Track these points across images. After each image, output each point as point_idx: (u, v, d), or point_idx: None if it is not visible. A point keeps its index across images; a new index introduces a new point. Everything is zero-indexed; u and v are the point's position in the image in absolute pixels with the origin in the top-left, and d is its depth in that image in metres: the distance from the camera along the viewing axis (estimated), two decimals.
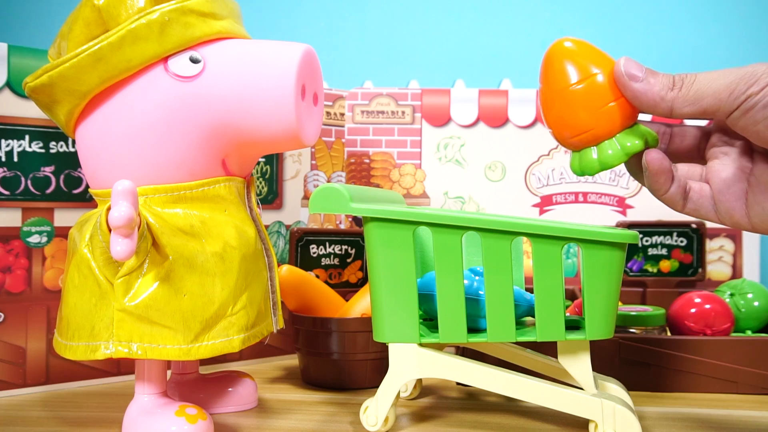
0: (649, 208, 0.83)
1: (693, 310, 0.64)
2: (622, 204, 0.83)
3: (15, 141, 0.60)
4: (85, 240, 0.46)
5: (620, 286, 0.47)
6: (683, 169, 0.46)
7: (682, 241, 0.78)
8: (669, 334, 0.67)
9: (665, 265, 0.79)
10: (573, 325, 0.50)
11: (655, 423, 0.53)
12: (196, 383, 0.56)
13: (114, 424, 0.52)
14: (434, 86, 0.96)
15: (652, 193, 0.44)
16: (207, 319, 0.46)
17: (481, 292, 0.50)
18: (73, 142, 0.60)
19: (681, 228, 0.78)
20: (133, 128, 0.46)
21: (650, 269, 0.79)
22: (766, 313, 0.69)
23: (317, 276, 0.72)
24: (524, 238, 0.55)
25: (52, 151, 0.62)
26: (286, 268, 0.63)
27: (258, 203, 0.53)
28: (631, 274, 0.79)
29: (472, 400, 0.59)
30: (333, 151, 0.82)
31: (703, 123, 0.47)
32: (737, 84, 0.40)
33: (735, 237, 0.83)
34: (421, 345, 0.49)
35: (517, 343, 0.50)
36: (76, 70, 0.46)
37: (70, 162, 0.62)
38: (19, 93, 0.60)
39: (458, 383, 0.63)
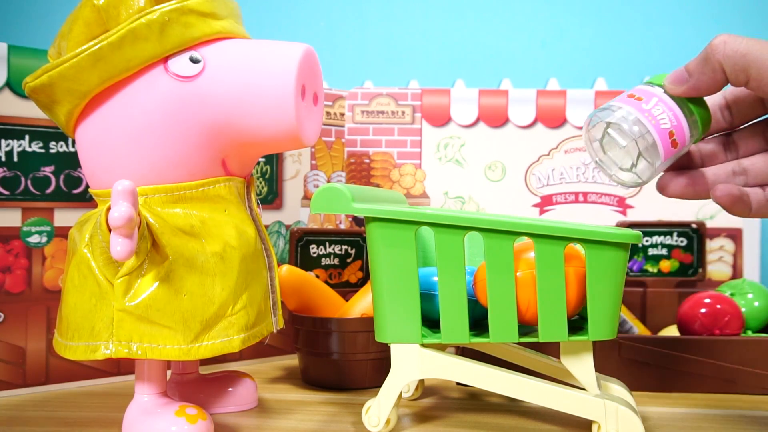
0: (649, 208, 0.83)
1: (703, 311, 0.64)
2: (622, 204, 0.83)
3: (15, 141, 0.60)
4: (85, 240, 0.46)
5: (623, 286, 0.47)
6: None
7: (682, 241, 0.78)
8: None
9: (665, 265, 0.79)
10: (576, 326, 0.50)
11: (657, 423, 0.53)
12: (196, 383, 0.56)
13: (114, 424, 0.52)
14: (434, 86, 0.96)
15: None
16: (207, 319, 0.46)
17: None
18: (73, 142, 0.60)
19: (681, 228, 0.78)
20: (133, 128, 0.46)
21: (650, 269, 0.79)
22: (766, 313, 0.69)
23: (317, 276, 0.72)
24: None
25: (52, 151, 0.61)
26: (286, 268, 0.62)
27: (258, 203, 0.53)
28: (631, 274, 0.79)
29: (473, 400, 0.59)
30: (333, 151, 0.82)
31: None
32: None
33: (735, 237, 0.83)
34: (423, 345, 0.49)
35: (519, 343, 0.50)
36: (76, 70, 0.46)
37: (70, 162, 0.62)
38: (19, 93, 0.60)
39: (459, 383, 0.63)
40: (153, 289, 0.45)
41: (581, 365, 0.48)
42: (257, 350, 0.73)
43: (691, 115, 0.44)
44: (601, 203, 0.84)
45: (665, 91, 0.44)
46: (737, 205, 0.43)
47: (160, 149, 0.47)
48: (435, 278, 0.51)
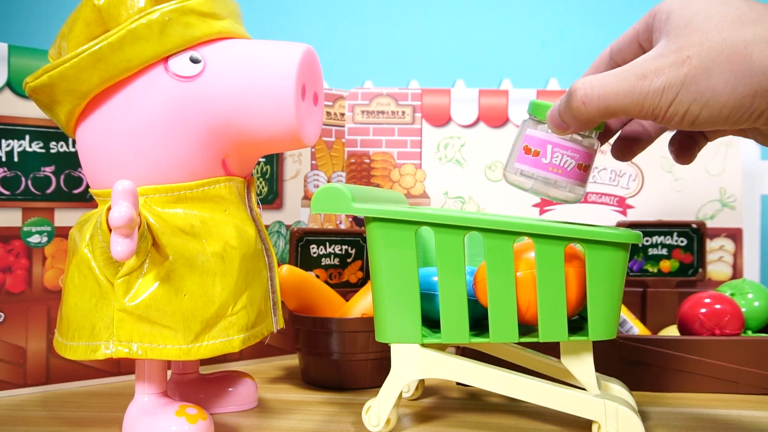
0: (649, 208, 0.83)
1: (704, 310, 0.64)
2: (622, 204, 0.83)
3: (15, 141, 0.60)
4: (85, 240, 0.46)
5: (623, 286, 0.47)
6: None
7: (682, 241, 0.78)
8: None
9: (665, 265, 0.79)
10: (576, 326, 0.50)
11: (657, 423, 0.53)
12: (196, 383, 0.56)
13: (114, 424, 0.52)
14: (434, 86, 0.96)
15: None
16: (207, 319, 0.46)
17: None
18: (73, 142, 0.60)
19: (681, 228, 0.78)
20: (134, 128, 0.46)
21: (650, 269, 0.79)
22: (766, 313, 0.69)
23: (317, 276, 0.72)
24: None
25: (52, 151, 0.61)
26: (286, 268, 0.63)
27: (258, 203, 0.53)
28: (631, 274, 0.79)
29: (474, 400, 0.59)
30: (333, 151, 0.82)
31: None
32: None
33: (735, 237, 0.83)
34: (423, 345, 0.49)
35: (519, 343, 0.50)
36: (76, 70, 0.46)
37: (70, 162, 0.62)
38: (19, 93, 0.60)
39: (459, 383, 0.63)
40: (153, 289, 0.45)
41: (581, 365, 0.48)
42: (257, 350, 0.73)
43: (588, 135, 0.46)
44: (602, 203, 0.84)
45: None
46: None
47: (160, 149, 0.47)
48: (435, 278, 0.51)
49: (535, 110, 0.48)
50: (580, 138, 0.46)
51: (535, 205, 0.84)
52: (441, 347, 0.53)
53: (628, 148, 0.48)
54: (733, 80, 0.37)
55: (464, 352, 0.59)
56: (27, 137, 0.60)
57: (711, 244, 0.83)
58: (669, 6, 0.41)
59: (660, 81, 0.38)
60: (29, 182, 0.60)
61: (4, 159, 0.59)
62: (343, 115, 0.83)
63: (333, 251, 0.73)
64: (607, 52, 0.46)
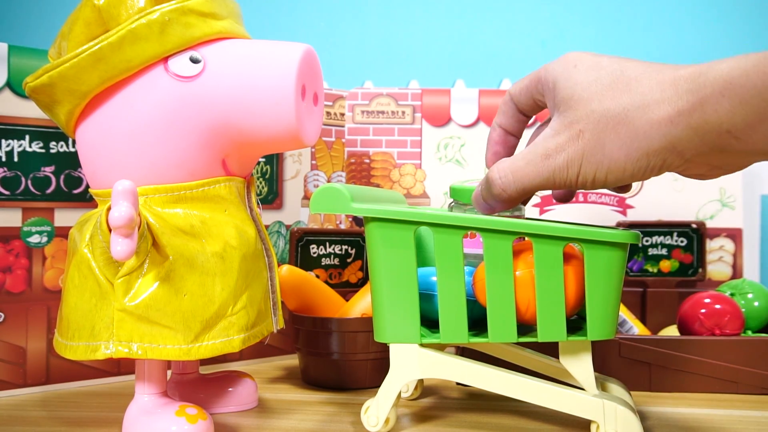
0: (649, 208, 0.83)
1: (703, 311, 0.64)
2: (622, 204, 0.83)
3: (15, 141, 0.60)
4: (85, 240, 0.46)
5: (622, 286, 0.47)
6: None
7: (682, 241, 0.78)
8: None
9: (665, 265, 0.79)
10: (574, 326, 0.50)
11: (656, 423, 0.53)
12: (196, 383, 0.56)
13: (114, 424, 0.52)
14: (434, 86, 0.97)
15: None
16: (207, 319, 0.46)
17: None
18: (73, 142, 0.60)
19: (681, 228, 0.78)
20: (134, 128, 0.46)
21: (650, 269, 0.79)
22: (766, 313, 0.69)
23: (317, 276, 0.72)
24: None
25: (52, 151, 0.61)
26: (286, 268, 0.63)
27: (258, 203, 0.53)
28: (631, 274, 0.79)
29: (473, 400, 0.59)
30: (333, 151, 0.82)
31: None
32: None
33: (735, 237, 0.83)
34: (422, 345, 0.49)
35: (518, 343, 0.50)
36: (76, 70, 0.46)
37: (70, 162, 0.62)
38: (19, 93, 0.60)
39: (458, 383, 0.63)
40: (153, 289, 0.45)
41: (580, 365, 0.48)
42: (257, 350, 0.73)
43: (515, 209, 0.52)
44: (601, 203, 0.84)
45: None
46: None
47: (160, 149, 0.47)
48: (434, 278, 0.51)
49: (458, 195, 0.53)
50: (508, 213, 0.50)
51: (535, 205, 0.84)
52: (440, 347, 0.53)
53: (565, 197, 0.51)
54: (626, 147, 0.41)
55: (464, 352, 0.59)
56: (27, 137, 0.60)
57: (711, 244, 0.83)
58: (553, 75, 0.45)
59: (562, 158, 0.43)
60: (29, 182, 0.60)
61: (4, 159, 0.59)
62: (343, 115, 0.83)
63: (333, 251, 0.73)
64: (508, 96, 0.50)
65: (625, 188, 0.49)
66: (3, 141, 0.59)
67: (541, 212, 0.84)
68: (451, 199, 0.55)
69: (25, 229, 0.60)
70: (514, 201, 0.46)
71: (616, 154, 0.41)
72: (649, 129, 0.40)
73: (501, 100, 0.50)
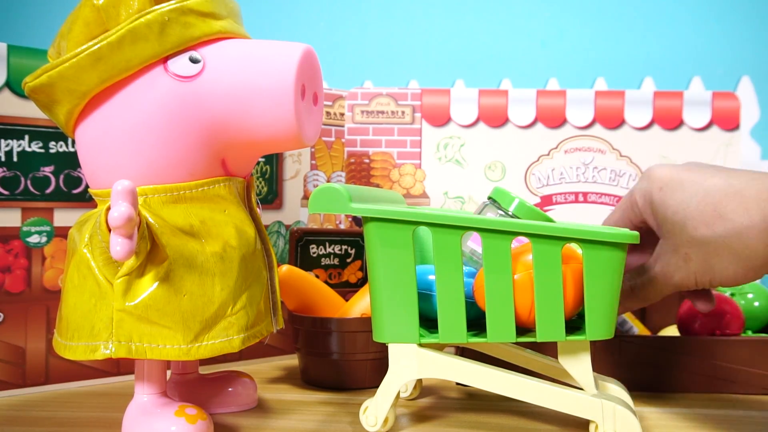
0: None
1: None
2: None
3: (15, 141, 0.60)
4: (84, 240, 0.46)
5: (621, 286, 0.47)
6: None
7: None
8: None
9: None
10: (573, 326, 0.50)
11: (656, 423, 0.53)
12: (195, 383, 0.56)
13: (114, 424, 0.52)
14: (434, 86, 0.97)
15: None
16: (207, 319, 0.46)
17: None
18: (73, 142, 0.60)
19: None
20: (133, 128, 0.46)
21: None
22: (766, 313, 0.69)
23: (317, 276, 0.72)
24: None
25: (51, 151, 0.62)
26: (286, 268, 0.63)
27: (258, 203, 0.53)
28: None
29: (472, 400, 0.59)
30: (333, 151, 0.82)
31: None
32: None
33: None
34: (420, 345, 0.49)
35: (517, 343, 0.50)
36: (75, 70, 0.46)
37: (69, 162, 0.62)
38: (18, 93, 0.60)
39: (457, 383, 0.63)
40: (153, 289, 0.45)
41: (579, 365, 0.48)
42: (257, 350, 0.73)
43: None
44: (601, 203, 0.84)
45: None
46: None
47: (159, 149, 0.47)
48: (432, 277, 0.51)
49: (500, 197, 0.54)
50: (502, 213, 0.54)
51: (535, 206, 0.84)
52: (439, 347, 0.53)
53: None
54: (732, 266, 0.46)
55: (463, 352, 0.59)
56: (26, 137, 0.60)
57: None
58: (645, 199, 0.51)
59: (678, 278, 0.49)
60: (28, 182, 0.60)
61: (3, 159, 0.59)
62: (342, 115, 0.83)
63: (332, 251, 0.73)
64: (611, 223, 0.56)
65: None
66: (2, 141, 0.59)
67: None
68: (488, 199, 0.55)
69: (25, 229, 0.61)
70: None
71: (725, 272, 0.46)
72: (749, 253, 0.45)
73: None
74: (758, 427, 0.52)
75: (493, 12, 1.02)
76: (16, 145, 0.60)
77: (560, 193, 0.84)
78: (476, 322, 0.50)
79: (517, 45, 1.02)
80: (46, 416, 0.54)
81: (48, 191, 0.61)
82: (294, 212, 0.78)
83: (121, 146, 0.47)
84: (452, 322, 0.48)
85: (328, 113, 0.82)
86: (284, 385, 0.64)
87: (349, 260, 0.74)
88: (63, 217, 0.62)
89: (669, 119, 0.83)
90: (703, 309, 0.55)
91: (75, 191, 0.63)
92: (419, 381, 0.60)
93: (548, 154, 0.84)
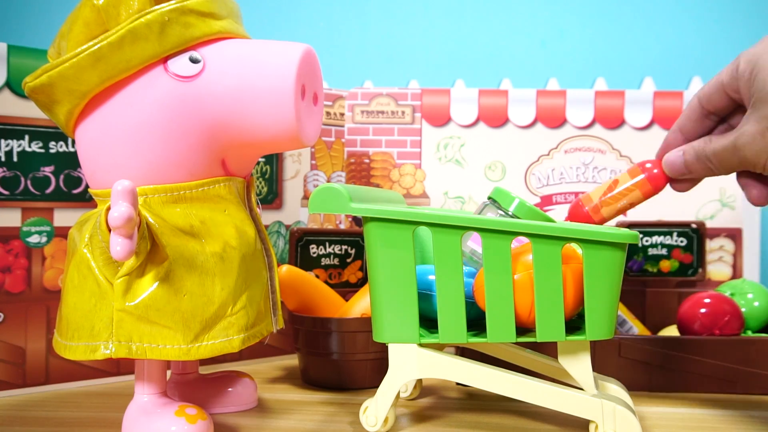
0: (649, 208, 0.83)
1: (703, 310, 0.64)
2: None
3: (15, 141, 0.60)
4: (84, 240, 0.46)
5: (620, 286, 0.47)
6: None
7: (682, 241, 0.78)
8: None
9: (665, 265, 0.79)
10: (573, 326, 0.50)
11: (656, 423, 0.53)
12: (195, 383, 0.56)
13: (114, 424, 0.52)
14: (434, 86, 0.96)
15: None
16: (207, 319, 0.46)
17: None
18: (73, 142, 0.60)
19: (681, 228, 0.78)
20: (133, 128, 0.46)
21: (650, 269, 0.79)
22: (766, 313, 0.69)
23: (317, 276, 0.72)
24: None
25: (51, 151, 0.62)
26: (286, 268, 0.63)
27: (258, 203, 0.53)
28: (631, 274, 0.79)
29: (472, 400, 0.59)
30: (333, 151, 0.82)
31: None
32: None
33: (735, 237, 0.83)
34: (420, 345, 0.49)
35: (517, 343, 0.50)
36: (75, 69, 0.46)
37: (69, 162, 0.62)
38: (18, 93, 0.60)
39: (457, 383, 0.63)
40: (153, 289, 0.45)
41: (579, 365, 0.48)
42: (257, 350, 0.73)
43: None
44: None
45: None
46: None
47: (159, 149, 0.47)
48: (432, 277, 0.51)
49: (500, 197, 0.54)
50: (503, 213, 0.54)
51: (535, 206, 0.84)
52: (439, 347, 0.53)
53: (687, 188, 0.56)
54: None
55: (463, 352, 0.59)
56: (26, 137, 0.60)
57: (711, 244, 0.83)
58: (751, 64, 0.47)
59: (748, 152, 0.47)
60: (28, 182, 0.60)
61: (3, 159, 0.59)
62: (342, 115, 0.83)
63: (333, 251, 0.73)
64: (695, 100, 0.52)
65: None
66: (2, 141, 0.59)
67: None
68: (488, 199, 0.55)
69: (25, 229, 0.61)
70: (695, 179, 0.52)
71: None
72: None
73: (687, 104, 0.54)
74: (758, 427, 0.52)
75: (493, 12, 1.02)
76: (16, 145, 0.60)
77: (560, 193, 0.84)
78: (476, 322, 0.50)
79: (517, 45, 1.02)
80: (46, 416, 0.54)
81: (48, 191, 0.61)
82: (294, 212, 0.78)
83: (121, 146, 0.47)
84: (452, 322, 0.48)
85: (328, 113, 0.82)
86: (284, 385, 0.64)
87: (349, 260, 0.74)
88: (63, 217, 0.62)
89: (669, 119, 0.83)
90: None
91: (75, 191, 0.63)
92: (419, 381, 0.60)
93: (548, 154, 0.84)
